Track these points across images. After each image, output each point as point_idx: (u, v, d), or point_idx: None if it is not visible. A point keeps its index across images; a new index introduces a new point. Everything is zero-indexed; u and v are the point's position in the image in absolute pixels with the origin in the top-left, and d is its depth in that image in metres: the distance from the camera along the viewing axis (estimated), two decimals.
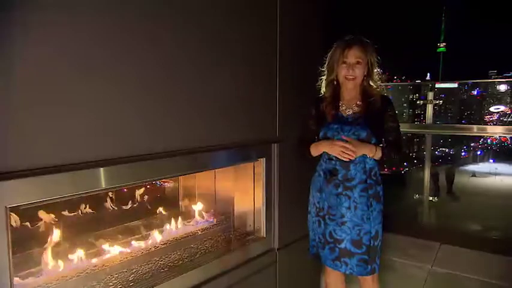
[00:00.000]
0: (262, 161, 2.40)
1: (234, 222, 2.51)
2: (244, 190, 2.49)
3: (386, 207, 2.10)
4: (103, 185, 1.60)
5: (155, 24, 1.75)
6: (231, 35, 2.13)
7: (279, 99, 2.46)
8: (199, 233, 2.35)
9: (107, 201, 2.28)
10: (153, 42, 1.75)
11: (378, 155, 1.99)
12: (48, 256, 1.75)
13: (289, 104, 2.51)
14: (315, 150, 2.11)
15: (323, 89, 2.15)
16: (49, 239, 1.81)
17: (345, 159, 1.97)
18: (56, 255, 1.80)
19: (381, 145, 2.04)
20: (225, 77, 2.12)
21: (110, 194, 2.28)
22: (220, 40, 2.07)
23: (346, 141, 1.96)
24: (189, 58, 1.92)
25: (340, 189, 2.02)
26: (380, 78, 2.09)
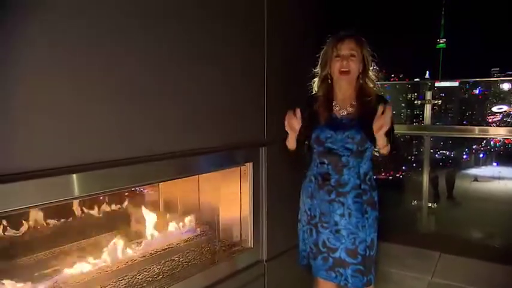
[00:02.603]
0: (250, 165, 2.41)
1: (219, 232, 2.51)
2: (230, 197, 2.49)
3: (382, 214, 2.11)
4: (77, 192, 1.58)
5: (140, 26, 1.77)
6: (217, 35, 2.15)
7: (267, 100, 2.47)
8: (182, 244, 2.34)
9: (77, 210, 2.25)
10: (137, 43, 1.76)
11: (388, 148, 1.94)
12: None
13: (278, 104, 2.51)
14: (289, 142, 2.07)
15: (316, 88, 2.16)
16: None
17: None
18: (20, 269, 1.78)
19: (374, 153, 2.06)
20: (210, 77, 2.12)
21: (81, 201, 2.25)
22: (205, 39, 2.08)
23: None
24: (171, 58, 1.93)
25: (333, 196, 2.02)
26: (376, 76, 2.11)
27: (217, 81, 2.16)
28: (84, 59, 1.58)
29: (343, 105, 2.07)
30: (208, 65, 2.10)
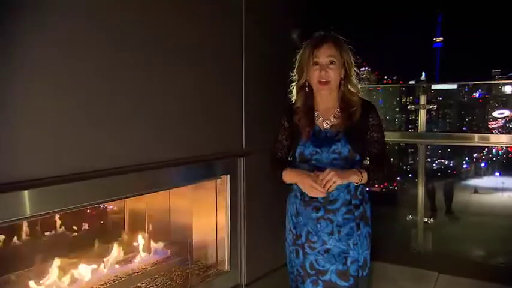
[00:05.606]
0: (226, 178, 2.40)
1: (192, 254, 2.49)
2: (205, 214, 2.48)
3: (374, 231, 2.13)
4: (27, 211, 1.55)
5: (98, 25, 1.76)
6: (191, 37, 2.16)
7: (245, 106, 2.47)
8: (149, 268, 2.32)
9: (26, 231, 2.21)
10: (105, 45, 1.77)
11: (365, 179, 1.98)
12: None
13: (257, 111, 2.52)
14: (288, 178, 2.08)
15: (294, 97, 2.15)
16: None
17: (313, 196, 1.98)
18: None
19: (366, 163, 2.07)
20: (183, 81, 2.12)
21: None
22: (177, 41, 2.09)
23: (323, 171, 1.95)
24: (138, 61, 1.93)
25: (320, 213, 2.02)
26: (367, 78, 2.12)
27: (190, 86, 2.16)
28: (46, 69, 1.57)
29: (326, 116, 2.08)
30: (181, 69, 2.09)
